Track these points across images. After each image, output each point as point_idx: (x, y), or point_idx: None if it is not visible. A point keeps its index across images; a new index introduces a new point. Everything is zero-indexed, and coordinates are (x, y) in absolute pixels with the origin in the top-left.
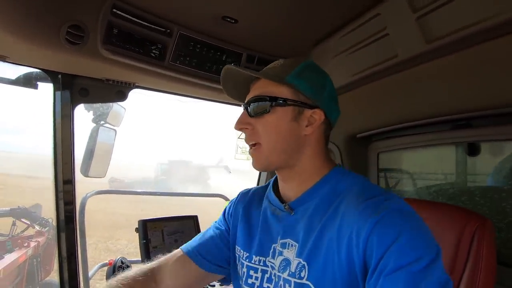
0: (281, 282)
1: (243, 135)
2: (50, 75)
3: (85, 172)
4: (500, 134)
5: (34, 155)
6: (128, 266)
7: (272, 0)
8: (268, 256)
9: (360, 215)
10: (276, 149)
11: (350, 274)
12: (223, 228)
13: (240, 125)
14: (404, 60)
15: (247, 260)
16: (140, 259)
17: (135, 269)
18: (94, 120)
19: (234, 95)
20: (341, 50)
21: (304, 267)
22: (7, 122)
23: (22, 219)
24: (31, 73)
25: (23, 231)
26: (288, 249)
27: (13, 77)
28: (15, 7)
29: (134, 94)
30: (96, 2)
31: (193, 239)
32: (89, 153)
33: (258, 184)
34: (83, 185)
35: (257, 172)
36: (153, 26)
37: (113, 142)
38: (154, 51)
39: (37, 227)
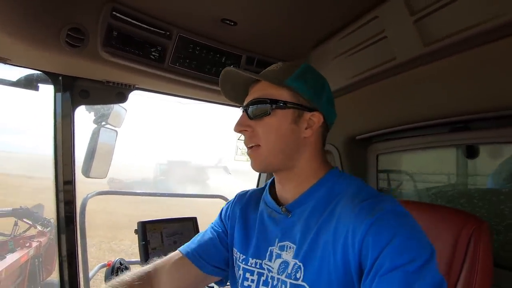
0: (278, 283)
1: (243, 137)
2: (51, 77)
3: (86, 172)
4: (498, 136)
5: (35, 155)
6: (127, 268)
7: (271, 2)
8: (265, 259)
9: (356, 217)
10: (276, 150)
11: (346, 275)
12: (220, 230)
13: (240, 127)
14: (402, 62)
15: (243, 263)
16: (137, 259)
17: (131, 274)
18: (95, 121)
19: (232, 97)
20: (340, 52)
21: (300, 268)
22: (7, 122)
23: (24, 219)
24: (32, 75)
25: (25, 231)
26: (286, 251)
27: (14, 79)
28: (16, 11)
29: (135, 96)
30: (95, 5)
31: (191, 240)
32: (90, 154)
33: (258, 185)
34: (83, 185)
35: (256, 173)
36: (152, 28)
37: (114, 143)
38: (153, 53)
39: (39, 227)
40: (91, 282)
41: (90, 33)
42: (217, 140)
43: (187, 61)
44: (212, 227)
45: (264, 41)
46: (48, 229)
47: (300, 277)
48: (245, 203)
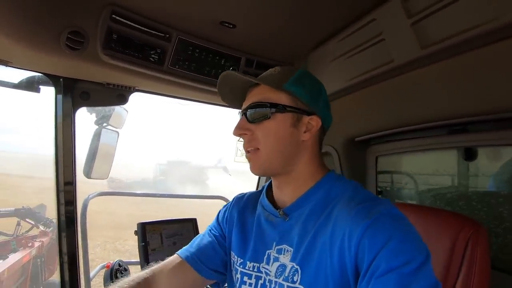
0: (275, 287)
1: (243, 141)
2: (52, 79)
3: (88, 173)
4: (496, 139)
5: (35, 155)
6: (125, 269)
7: (270, 5)
8: (262, 262)
9: (352, 220)
10: (275, 154)
11: (342, 278)
12: (217, 233)
13: (239, 131)
14: (400, 65)
15: (241, 266)
16: (137, 260)
17: (129, 280)
18: (96, 122)
19: (230, 100)
20: (338, 54)
21: (297, 271)
22: (8, 122)
23: (27, 219)
24: (33, 77)
25: (27, 231)
26: (284, 254)
27: (16, 81)
28: (17, 14)
29: (136, 97)
30: (95, 9)
31: (189, 244)
32: (92, 155)
33: (257, 186)
34: (83, 185)
35: None
36: (152, 31)
37: (116, 144)
38: (153, 55)
39: (41, 227)
40: (92, 282)
41: (90, 36)
42: (216, 140)
43: (187, 63)
44: (210, 230)
45: (263, 43)
46: (50, 229)
47: (297, 280)
48: (243, 206)
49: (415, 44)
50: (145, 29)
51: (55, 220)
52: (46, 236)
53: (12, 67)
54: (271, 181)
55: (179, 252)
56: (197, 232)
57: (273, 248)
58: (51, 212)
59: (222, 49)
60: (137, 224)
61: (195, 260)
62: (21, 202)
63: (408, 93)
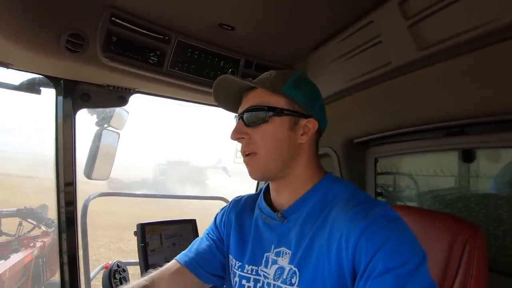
0: None
1: (240, 145)
2: (52, 81)
3: (88, 174)
4: (495, 141)
5: (34, 155)
6: (124, 270)
7: (268, 7)
8: (261, 265)
9: (350, 221)
10: (273, 157)
11: (340, 280)
12: (215, 237)
13: (237, 134)
14: (398, 66)
15: (239, 270)
16: (136, 260)
17: (128, 287)
18: (97, 123)
19: (225, 103)
20: (337, 56)
21: (295, 274)
22: (8, 122)
23: (29, 220)
24: (34, 79)
25: (29, 231)
26: (282, 257)
27: (17, 82)
28: (17, 17)
29: (136, 98)
30: (95, 11)
31: (187, 249)
32: (93, 156)
33: (257, 187)
34: (83, 185)
35: None
36: (151, 33)
37: (116, 145)
38: (152, 58)
39: (43, 228)
40: (92, 282)
41: (90, 39)
42: (216, 141)
43: (186, 65)
44: (208, 234)
45: (262, 45)
46: (52, 229)
47: (295, 282)
48: (240, 209)
49: (412, 46)
50: (145, 31)
51: (56, 220)
52: (48, 236)
53: (13, 69)
54: (268, 184)
55: (177, 257)
56: (196, 233)
57: (272, 251)
58: (53, 213)
59: (221, 51)
60: (137, 225)
61: (194, 265)
62: (20, 202)
63: (407, 94)
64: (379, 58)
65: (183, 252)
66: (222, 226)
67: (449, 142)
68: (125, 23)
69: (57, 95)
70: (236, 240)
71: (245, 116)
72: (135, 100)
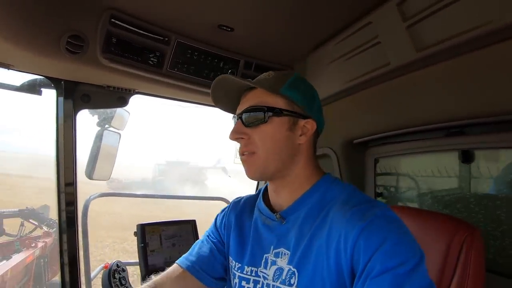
0: None
1: (239, 145)
2: (53, 82)
3: (90, 175)
4: (495, 141)
5: (34, 155)
6: (124, 270)
7: (267, 8)
8: (260, 266)
9: (348, 222)
10: (272, 158)
11: (339, 280)
12: (216, 239)
13: (236, 134)
14: (396, 67)
15: (239, 271)
16: (136, 261)
17: None
18: (98, 124)
19: (223, 104)
20: (336, 57)
21: (294, 274)
22: (8, 122)
23: (30, 220)
24: (35, 80)
25: (31, 232)
26: (281, 258)
27: (18, 83)
28: (18, 19)
29: (136, 99)
30: (94, 13)
31: (188, 252)
32: (94, 156)
33: (257, 187)
34: (83, 185)
35: None
36: (151, 34)
37: (117, 146)
38: (152, 59)
39: (44, 228)
40: (93, 282)
41: (90, 40)
42: (215, 141)
43: (185, 66)
44: (208, 236)
45: (261, 46)
46: (53, 229)
47: (294, 282)
48: (240, 210)
49: (411, 46)
50: (144, 32)
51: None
52: (50, 237)
53: (14, 70)
54: (267, 185)
55: (179, 261)
56: (196, 234)
57: (271, 252)
58: (55, 213)
59: (221, 52)
60: (137, 226)
61: (197, 269)
62: (20, 202)
63: (406, 95)
64: (378, 58)
65: (184, 255)
66: (222, 228)
67: (448, 142)
68: (124, 25)
69: (57, 96)
70: (235, 241)
71: (244, 116)
72: (135, 101)
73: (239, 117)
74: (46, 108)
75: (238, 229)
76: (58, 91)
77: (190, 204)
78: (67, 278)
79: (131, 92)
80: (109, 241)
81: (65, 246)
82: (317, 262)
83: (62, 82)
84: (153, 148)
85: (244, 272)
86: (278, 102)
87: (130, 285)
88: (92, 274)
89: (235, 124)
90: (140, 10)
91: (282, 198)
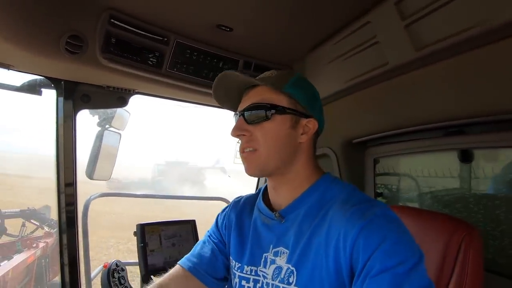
0: None
1: (240, 141)
2: (53, 82)
3: (90, 174)
4: (494, 141)
5: (34, 155)
6: (123, 269)
7: (266, 9)
8: (260, 266)
9: (348, 221)
10: (273, 155)
11: (338, 279)
12: (217, 239)
13: (238, 131)
14: (394, 67)
15: (238, 271)
16: (135, 261)
17: None
18: (99, 124)
19: (224, 102)
20: (335, 57)
21: (293, 273)
22: (7, 123)
23: (32, 220)
24: (35, 80)
25: (32, 232)
26: (280, 256)
27: (18, 84)
28: (17, 19)
29: (136, 99)
30: (94, 13)
31: (190, 253)
32: (94, 156)
33: (257, 187)
34: (83, 185)
35: None
36: (150, 35)
37: (118, 146)
38: (151, 59)
39: (46, 228)
40: (93, 282)
41: (89, 40)
42: (215, 141)
43: (185, 66)
44: (209, 237)
45: (260, 46)
46: (55, 230)
47: (293, 281)
48: (240, 210)
49: (409, 46)
50: (143, 32)
51: None
52: (51, 237)
53: (14, 70)
54: (267, 185)
55: (181, 262)
56: (196, 234)
57: (270, 251)
58: (56, 213)
59: (220, 52)
60: (136, 225)
61: (198, 271)
62: (20, 202)
63: (405, 95)
64: (377, 58)
65: (186, 256)
66: (223, 228)
67: (448, 142)
68: (124, 25)
69: (57, 96)
70: (236, 241)
71: (246, 113)
72: (134, 101)
73: (241, 114)
74: (46, 108)
75: (238, 229)
76: (58, 91)
77: (189, 204)
78: (67, 279)
79: (130, 92)
80: (113, 241)
81: (65, 246)
82: (316, 260)
83: (62, 82)
84: (153, 148)
85: (244, 271)
86: (281, 100)
87: (129, 285)
88: (92, 274)
89: (237, 121)
90: (139, 10)
91: (281, 196)
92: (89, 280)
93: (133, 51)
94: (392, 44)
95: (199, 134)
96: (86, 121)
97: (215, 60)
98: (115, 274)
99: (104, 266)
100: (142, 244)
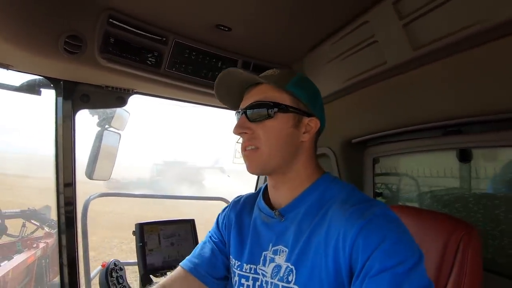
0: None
1: (241, 140)
2: (52, 82)
3: (90, 175)
4: (494, 140)
5: (33, 155)
6: (121, 269)
7: (265, 9)
8: (259, 264)
9: (347, 220)
10: (275, 154)
11: (337, 278)
12: (218, 239)
13: (240, 129)
14: (393, 66)
15: (238, 269)
16: (134, 260)
17: None
18: (99, 124)
19: (226, 99)
20: (334, 56)
21: (292, 271)
22: (8, 123)
23: (32, 221)
24: (34, 80)
25: (32, 232)
26: (279, 255)
27: (17, 84)
28: (16, 19)
29: (135, 99)
30: (93, 13)
31: (192, 254)
32: (94, 156)
33: (256, 187)
34: (83, 185)
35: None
36: (149, 34)
37: (118, 146)
38: (150, 59)
39: (46, 229)
40: (92, 283)
41: (88, 40)
42: (213, 141)
43: (183, 66)
44: (210, 237)
45: (259, 46)
46: (55, 230)
47: (292, 280)
48: (240, 209)
49: (407, 45)
50: (142, 32)
51: None
52: (51, 238)
53: (13, 70)
54: (267, 184)
55: (182, 263)
56: (195, 233)
57: (269, 249)
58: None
59: (219, 51)
60: (135, 225)
61: (199, 271)
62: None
63: (404, 94)
64: (375, 57)
65: (188, 257)
66: (223, 227)
67: (447, 141)
68: (122, 25)
69: (57, 96)
70: (235, 240)
71: (249, 111)
72: (133, 100)
73: (244, 112)
74: (45, 109)
75: (238, 228)
76: (57, 91)
77: (189, 204)
78: (66, 279)
79: (129, 92)
80: (116, 241)
81: (64, 247)
82: (315, 259)
83: (61, 82)
84: (151, 148)
85: (244, 270)
86: (284, 98)
87: (128, 284)
88: (92, 274)
89: (239, 119)
90: (138, 10)
91: (281, 195)
92: (88, 280)
93: (132, 51)
94: (390, 44)
95: (198, 134)
96: (86, 121)
97: (214, 60)
98: (113, 274)
99: (102, 266)
100: (141, 244)
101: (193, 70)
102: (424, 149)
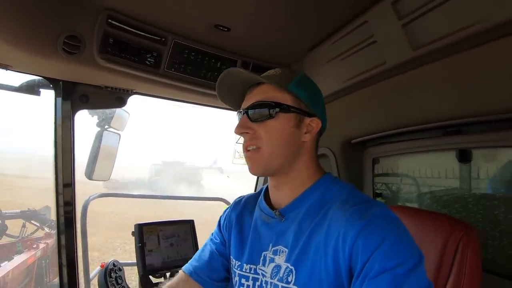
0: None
1: (241, 140)
2: (51, 82)
3: (90, 175)
4: (494, 140)
5: (33, 156)
6: (120, 269)
7: (264, 9)
8: (259, 264)
9: (347, 221)
10: (276, 154)
11: (337, 279)
12: (219, 241)
13: (242, 129)
14: (392, 66)
15: (238, 269)
16: (133, 261)
17: None
18: (98, 124)
19: (228, 99)
20: (333, 57)
21: (292, 272)
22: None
23: (32, 221)
24: (33, 80)
25: (32, 233)
26: (279, 255)
27: (16, 84)
28: (15, 19)
29: (135, 99)
30: (91, 13)
31: (194, 258)
32: (94, 157)
33: (256, 187)
34: (84, 186)
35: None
36: (148, 35)
37: (117, 146)
38: (149, 59)
39: (46, 229)
40: (92, 283)
41: (87, 40)
42: (212, 142)
43: (183, 66)
44: (211, 239)
45: (258, 47)
46: (55, 231)
47: (291, 280)
48: (241, 209)
49: (406, 45)
50: (141, 33)
51: None
52: (51, 238)
53: (12, 70)
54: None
55: (184, 268)
56: (194, 234)
57: (269, 249)
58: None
59: (218, 52)
60: (135, 225)
61: (198, 274)
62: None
63: (403, 94)
64: (374, 58)
65: (190, 261)
66: (224, 228)
67: (447, 141)
68: (121, 25)
69: (56, 96)
70: (236, 240)
71: (250, 111)
72: (132, 101)
73: (245, 112)
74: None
75: (238, 228)
76: (56, 92)
77: (189, 204)
78: (65, 279)
79: (129, 93)
80: (119, 242)
81: (63, 247)
82: (315, 260)
83: (60, 83)
84: (150, 148)
85: (244, 270)
86: (286, 98)
87: (126, 284)
88: (91, 275)
89: (240, 119)
90: (137, 11)
91: (282, 195)
92: (88, 280)
93: (131, 52)
94: (390, 44)
95: (197, 134)
96: (86, 122)
97: (213, 60)
98: (112, 274)
99: (101, 266)
100: (140, 244)
101: (192, 70)
102: (423, 149)
